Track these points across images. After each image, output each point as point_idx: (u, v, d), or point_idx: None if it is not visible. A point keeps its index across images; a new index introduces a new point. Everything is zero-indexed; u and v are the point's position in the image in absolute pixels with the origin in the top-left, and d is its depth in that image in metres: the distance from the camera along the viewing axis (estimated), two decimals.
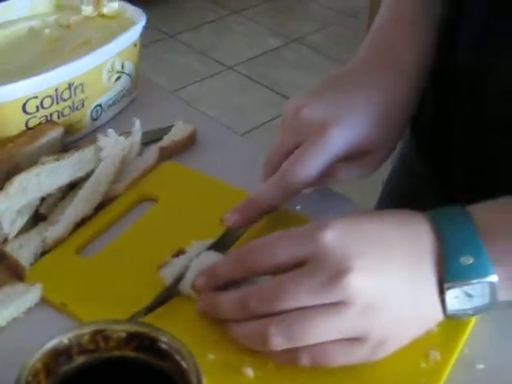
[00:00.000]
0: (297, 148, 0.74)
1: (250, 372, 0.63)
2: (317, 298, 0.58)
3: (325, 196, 0.85)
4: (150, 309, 0.67)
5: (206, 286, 0.66)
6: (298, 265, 0.60)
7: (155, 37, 3.15)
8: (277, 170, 0.75)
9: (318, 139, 0.72)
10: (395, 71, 0.79)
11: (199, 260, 0.69)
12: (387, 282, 0.60)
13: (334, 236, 0.60)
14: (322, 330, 0.59)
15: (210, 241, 0.74)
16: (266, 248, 0.63)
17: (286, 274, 0.60)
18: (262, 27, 3.71)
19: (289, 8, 3.94)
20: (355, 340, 0.60)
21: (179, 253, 0.72)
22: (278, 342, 0.59)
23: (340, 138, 0.73)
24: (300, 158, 0.73)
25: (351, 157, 0.76)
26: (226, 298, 0.64)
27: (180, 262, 0.71)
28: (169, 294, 0.69)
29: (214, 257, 0.69)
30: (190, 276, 0.68)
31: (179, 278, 0.69)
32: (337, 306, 0.58)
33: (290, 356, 0.61)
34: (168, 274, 0.70)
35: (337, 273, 0.58)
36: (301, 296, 0.59)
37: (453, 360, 0.65)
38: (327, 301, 0.58)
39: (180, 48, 3.46)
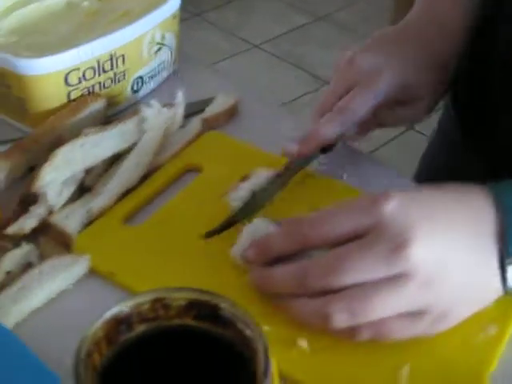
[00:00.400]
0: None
1: (304, 344, 0.62)
2: (379, 270, 0.57)
3: (369, 166, 0.84)
4: (219, 230, 0.70)
5: (257, 258, 0.65)
6: (358, 237, 0.59)
7: (181, 16, 3.16)
8: (327, 112, 0.78)
9: (370, 81, 0.77)
10: (436, 30, 0.83)
11: (251, 227, 0.68)
12: (448, 255, 0.59)
13: (395, 207, 0.59)
14: (385, 306, 0.58)
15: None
16: (324, 220, 0.62)
17: (345, 247, 0.59)
18: (287, 5, 3.68)
19: None
20: (417, 313, 0.59)
21: (244, 179, 0.75)
22: (340, 321, 0.58)
23: (390, 81, 0.77)
24: (354, 97, 0.76)
25: (398, 102, 0.79)
26: (281, 272, 0.62)
27: (246, 185, 0.73)
28: (238, 218, 0.71)
29: (266, 225, 0.67)
30: (241, 243, 0.67)
31: (247, 203, 0.72)
32: (399, 278, 0.57)
33: (350, 331, 0.60)
34: (235, 198, 0.73)
35: (398, 244, 0.57)
36: (362, 268, 0.58)
37: (509, 334, 0.64)
38: (389, 273, 0.57)
39: (206, 27, 3.44)
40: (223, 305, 0.48)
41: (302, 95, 2.93)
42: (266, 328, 0.62)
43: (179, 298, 0.49)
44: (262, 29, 3.45)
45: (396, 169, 0.84)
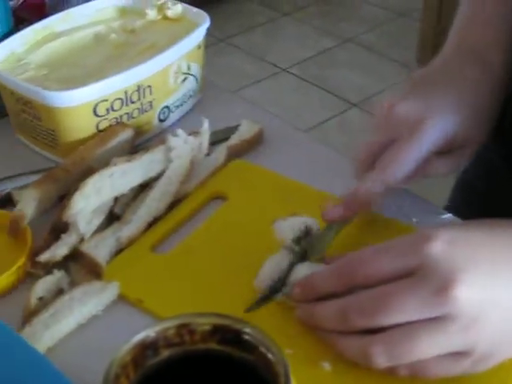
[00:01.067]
0: (390, 144, 0.74)
1: (327, 366, 0.63)
2: (422, 311, 0.57)
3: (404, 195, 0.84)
4: (259, 304, 0.69)
5: (303, 297, 0.66)
6: (402, 277, 0.59)
7: (207, 41, 3.20)
8: (370, 166, 0.75)
9: (412, 135, 0.73)
10: (478, 69, 0.79)
11: (297, 270, 0.69)
12: (494, 296, 0.58)
13: (441, 247, 0.58)
14: (427, 348, 0.57)
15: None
16: (370, 260, 0.61)
17: (388, 286, 0.59)
18: (313, 28, 3.71)
19: (339, 8, 3.93)
20: (459, 354, 0.58)
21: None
22: (381, 361, 0.59)
23: (434, 132, 0.73)
24: (397, 154, 0.73)
25: (443, 152, 0.76)
26: (325, 309, 0.63)
27: (296, 221, 0.73)
28: (273, 292, 0.69)
29: (311, 267, 0.69)
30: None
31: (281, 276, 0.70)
32: (442, 321, 0.57)
33: (389, 368, 0.60)
34: (283, 229, 0.72)
35: (443, 286, 0.56)
36: (406, 309, 0.57)
37: None
38: (433, 314, 0.57)
39: (233, 51, 3.48)
40: (246, 329, 0.50)
41: (330, 118, 2.95)
42: (288, 351, 0.63)
43: (204, 323, 0.51)
44: (288, 52, 3.48)
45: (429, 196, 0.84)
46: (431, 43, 3.06)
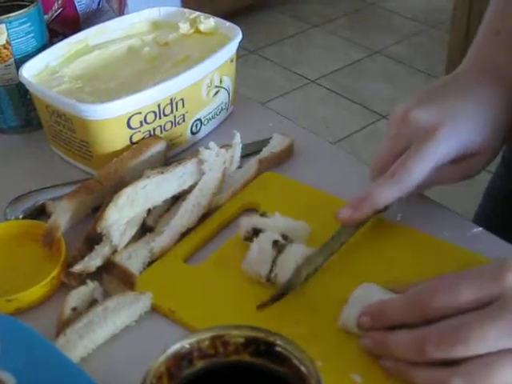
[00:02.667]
0: (405, 150, 0.75)
1: (357, 378, 0.63)
2: (503, 342, 0.56)
3: (423, 204, 0.85)
4: (271, 302, 0.69)
5: (372, 326, 0.65)
6: (481, 306, 0.58)
7: (238, 53, 3.23)
8: (386, 171, 0.75)
9: (427, 141, 0.73)
10: (497, 82, 0.79)
11: (360, 294, 0.68)
12: None
13: None
14: (507, 380, 0.56)
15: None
16: (448, 290, 0.60)
17: (467, 316, 0.58)
18: (342, 40, 3.71)
19: (369, 20, 3.94)
20: None
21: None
22: None
23: (448, 140, 0.73)
24: (411, 159, 0.73)
25: (457, 159, 0.76)
26: (399, 339, 0.62)
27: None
28: (288, 288, 0.70)
29: (376, 291, 0.68)
30: (352, 311, 0.67)
31: (297, 271, 0.70)
32: None
33: None
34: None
35: None
36: (487, 340, 0.56)
37: None
38: None
39: (263, 63, 3.49)
40: (279, 342, 0.50)
41: (359, 130, 2.95)
42: (319, 363, 0.64)
43: (237, 336, 0.51)
44: (318, 64, 3.49)
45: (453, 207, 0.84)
46: (460, 55, 3.05)
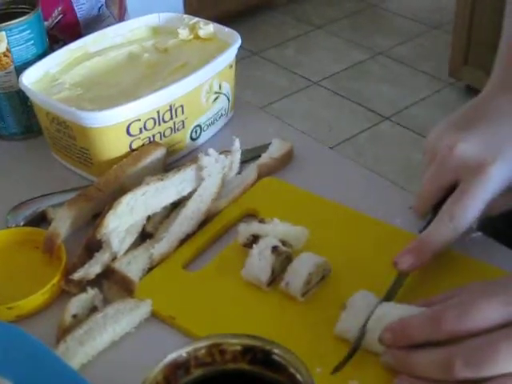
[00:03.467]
0: (450, 184, 0.74)
1: None
2: None
3: None
4: (345, 362, 0.66)
5: (395, 343, 0.63)
6: (506, 324, 0.58)
7: (240, 55, 3.23)
8: (431, 204, 0.75)
9: (478, 178, 0.72)
10: None
11: (382, 311, 0.67)
12: None
13: None
14: None
15: None
16: (475, 307, 0.60)
17: (495, 334, 0.58)
18: (345, 41, 3.71)
19: (371, 21, 3.94)
20: None
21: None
22: None
23: (500, 174, 0.72)
24: (466, 199, 0.72)
25: (505, 189, 0.75)
26: (425, 358, 0.61)
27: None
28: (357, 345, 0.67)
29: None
30: (373, 327, 0.66)
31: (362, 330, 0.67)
32: None
33: None
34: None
35: None
36: None
37: None
38: None
39: (265, 65, 3.49)
40: (276, 350, 0.51)
41: (362, 131, 2.95)
42: (318, 370, 0.64)
43: (235, 344, 0.52)
44: (320, 65, 3.49)
45: None
46: (463, 56, 3.06)
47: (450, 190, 0.75)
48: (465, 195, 0.72)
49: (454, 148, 0.74)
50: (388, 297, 0.70)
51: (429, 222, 0.75)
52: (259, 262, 0.73)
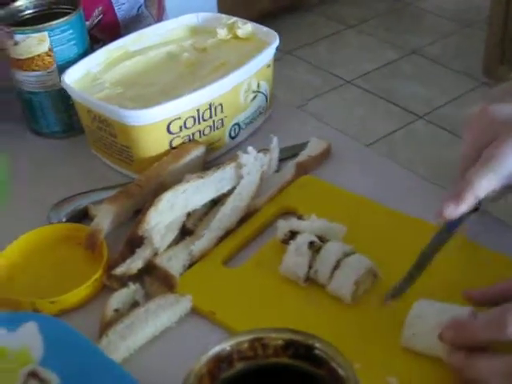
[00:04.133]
0: (490, 143, 0.72)
1: (394, 382, 0.64)
2: None
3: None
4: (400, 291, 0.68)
5: (455, 341, 0.63)
6: None
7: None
8: (473, 165, 0.72)
9: None
10: None
11: (416, 313, 0.67)
12: None
13: None
14: None
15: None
16: None
17: None
18: (378, 40, 3.70)
19: (403, 20, 3.92)
20: None
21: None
22: None
23: None
24: (504, 145, 0.70)
25: None
26: (489, 365, 0.60)
27: None
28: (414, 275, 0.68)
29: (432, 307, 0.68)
30: (411, 331, 0.67)
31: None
32: None
33: None
34: None
35: None
36: None
37: None
38: None
39: (298, 64, 3.49)
40: (318, 345, 0.51)
41: (395, 130, 2.94)
42: (357, 365, 0.65)
43: (277, 338, 0.52)
44: (353, 64, 3.48)
45: None
46: (497, 54, 3.03)
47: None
48: (503, 142, 0.70)
49: (487, 108, 0.73)
50: (423, 261, 0.70)
51: None
52: (296, 257, 0.74)
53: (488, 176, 0.69)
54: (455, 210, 0.70)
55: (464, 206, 0.70)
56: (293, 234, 0.77)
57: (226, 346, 0.52)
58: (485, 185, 0.69)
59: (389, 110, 3.10)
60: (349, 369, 0.49)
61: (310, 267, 0.74)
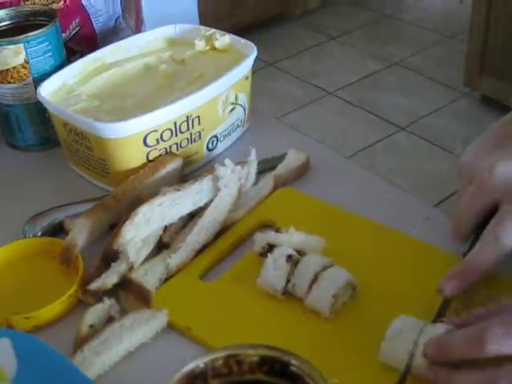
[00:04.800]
0: (489, 206, 0.73)
1: None
2: None
3: None
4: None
5: (436, 357, 0.63)
6: None
7: (255, 65, 3.22)
8: (471, 227, 0.75)
9: None
10: None
11: (397, 328, 0.67)
12: None
13: None
14: None
15: None
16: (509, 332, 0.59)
17: None
18: (360, 52, 3.71)
19: (386, 31, 3.94)
20: None
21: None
22: None
23: None
24: (510, 219, 0.71)
25: None
26: (468, 379, 0.60)
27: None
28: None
29: (413, 324, 0.67)
30: (391, 345, 0.66)
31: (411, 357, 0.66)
32: None
33: None
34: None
35: None
36: None
37: None
38: None
39: (280, 75, 3.50)
40: (293, 361, 0.50)
41: (377, 141, 2.95)
42: (335, 380, 0.64)
43: (252, 355, 0.51)
44: (335, 76, 3.49)
45: None
46: (478, 65, 3.04)
47: (490, 212, 0.74)
48: (510, 215, 0.71)
49: (494, 169, 0.72)
50: (436, 319, 0.69)
51: (471, 246, 0.74)
52: (274, 270, 0.73)
53: (492, 256, 0.71)
54: (458, 290, 0.70)
55: (467, 286, 0.70)
56: (270, 247, 0.76)
57: (199, 362, 0.51)
58: (489, 263, 0.71)
59: (370, 121, 3.10)
60: None
61: (288, 281, 0.73)
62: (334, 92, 3.35)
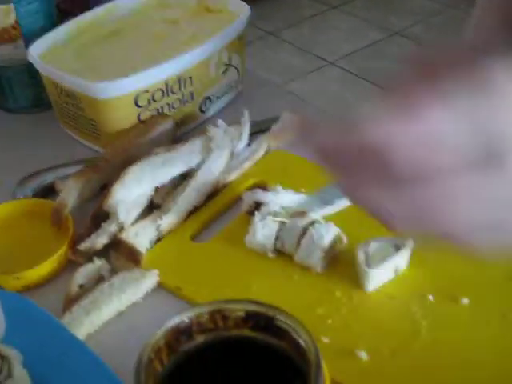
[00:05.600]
0: None
1: (363, 355, 0.63)
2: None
3: None
4: None
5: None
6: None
7: (255, 35, 3.17)
8: None
9: None
10: None
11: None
12: None
13: None
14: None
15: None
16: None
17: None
18: (361, 21, 3.68)
19: (387, 1, 3.91)
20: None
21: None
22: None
23: None
24: None
25: None
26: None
27: None
28: None
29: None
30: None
31: None
32: None
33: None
34: None
35: None
36: None
37: None
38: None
39: (281, 45, 3.47)
40: (279, 316, 0.50)
41: None
42: (325, 340, 0.64)
43: (237, 310, 0.51)
44: (336, 45, 3.46)
45: None
46: None
47: None
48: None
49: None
50: None
51: None
52: (262, 229, 0.73)
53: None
54: None
55: None
56: (258, 205, 0.76)
57: (184, 317, 0.50)
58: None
59: (370, 91, 3.08)
60: (309, 340, 0.47)
61: (277, 238, 0.73)
62: (334, 62, 3.33)
